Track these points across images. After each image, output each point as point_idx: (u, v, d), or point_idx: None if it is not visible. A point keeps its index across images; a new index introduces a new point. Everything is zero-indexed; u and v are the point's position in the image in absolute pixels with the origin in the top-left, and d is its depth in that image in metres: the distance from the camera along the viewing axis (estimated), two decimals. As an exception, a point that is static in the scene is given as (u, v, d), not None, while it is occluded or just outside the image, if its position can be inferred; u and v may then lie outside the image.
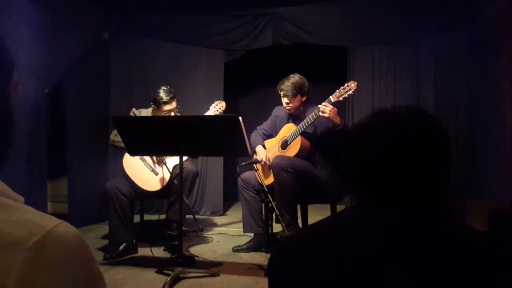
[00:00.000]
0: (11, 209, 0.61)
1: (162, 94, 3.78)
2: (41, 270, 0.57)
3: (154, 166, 3.81)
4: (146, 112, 3.95)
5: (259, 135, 4.01)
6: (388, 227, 0.89)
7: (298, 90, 3.67)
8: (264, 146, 3.88)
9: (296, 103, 3.71)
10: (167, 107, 3.76)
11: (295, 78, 3.70)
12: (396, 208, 0.90)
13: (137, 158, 3.77)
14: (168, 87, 3.90)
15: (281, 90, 3.71)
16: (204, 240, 4.13)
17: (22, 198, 0.66)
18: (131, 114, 3.96)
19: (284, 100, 3.73)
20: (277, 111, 4.01)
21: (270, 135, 4.00)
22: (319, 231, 0.97)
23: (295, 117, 3.79)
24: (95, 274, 0.66)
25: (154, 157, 3.84)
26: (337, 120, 3.43)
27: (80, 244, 0.63)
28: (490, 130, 4.08)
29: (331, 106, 3.41)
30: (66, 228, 0.62)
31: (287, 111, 3.80)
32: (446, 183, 0.95)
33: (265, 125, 4.07)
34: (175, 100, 3.83)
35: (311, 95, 3.79)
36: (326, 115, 3.39)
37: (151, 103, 3.87)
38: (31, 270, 0.56)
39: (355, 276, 0.83)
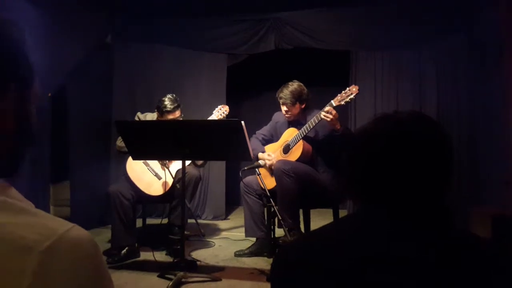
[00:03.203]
0: (24, 213, 0.62)
1: (167, 103, 3.75)
2: (54, 273, 0.58)
3: (162, 169, 3.79)
4: (152, 116, 3.93)
5: (259, 140, 4.00)
6: (391, 233, 0.88)
7: (297, 98, 3.67)
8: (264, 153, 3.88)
9: (295, 111, 3.72)
10: (170, 117, 3.73)
11: (293, 86, 3.70)
12: (399, 214, 0.90)
13: (140, 162, 3.76)
14: (174, 95, 3.85)
15: (280, 98, 3.72)
16: (206, 245, 4.12)
17: (32, 204, 0.67)
18: (136, 118, 3.94)
19: (283, 108, 3.74)
20: (277, 117, 4.00)
21: (270, 139, 4.00)
22: (322, 237, 0.97)
23: (295, 122, 3.79)
24: (106, 278, 0.67)
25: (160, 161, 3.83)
26: (338, 126, 3.44)
27: (92, 247, 0.64)
28: (493, 135, 4.07)
29: (334, 111, 3.41)
30: (78, 232, 0.63)
31: (286, 118, 3.80)
32: (449, 187, 0.95)
33: (265, 130, 4.06)
34: (180, 109, 3.80)
35: (311, 102, 3.78)
36: (329, 119, 3.39)
37: (155, 109, 3.86)
38: (43, 274, 0.57)
39: (358, 282, 0.83)
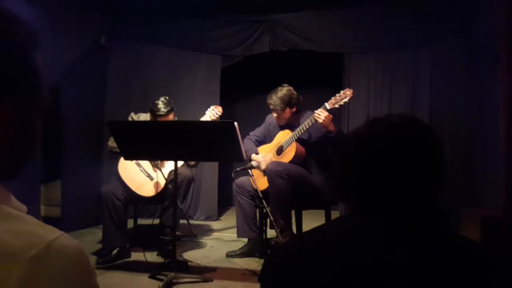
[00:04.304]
0: (13, 219, 0.61)
1: (160, 106, 3.70)
2: (39, 282, 0.57)
3: (154, 170, 3.77)
4: (145, 117, 3.90)
5: (252, 141, 4.00)
6: (384, 237, 0.89)
7: (286, 103, 3.68)
8: (257, 154, 3.88)
9: (285, 115, 3.74)
10: (162, 120, 3.71)
11: (282, 91, 3.70)
12: (392, 217, 0.91)
13: (132, 162, 3.74)
14: (167, 98, 3.80)
15: (270, 104, 3.73)
16: (197, 245, 4.12)
17: (25, 207, 0.66)
18: (130, 118, 3.91)
19: (274, 114, 3.76)
20: (270, 119, 4.01)
21: (263, 141, 4.01)
22: (314, 239, 0.97)
23: (288, 124, 3.80)
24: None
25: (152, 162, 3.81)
26: (331, 127, 3.45)
27: (79, 257, 0.63)
28: (485, 138, 4.09)
29: (327, 113, 3.42)
30: (66, 240, 0.62)
31: (278, 123, 3.82)
32: (440, 190, 0.95)
33: (258, 131, 4.07)
34: (173, 112, 3.75)
35: (302, 105, 3.79)
36: (320, 121, 3.41)
37: (148, 111, 3.84)
38: (29, 282, 0.56)
39: (350, 286, 0.83)
